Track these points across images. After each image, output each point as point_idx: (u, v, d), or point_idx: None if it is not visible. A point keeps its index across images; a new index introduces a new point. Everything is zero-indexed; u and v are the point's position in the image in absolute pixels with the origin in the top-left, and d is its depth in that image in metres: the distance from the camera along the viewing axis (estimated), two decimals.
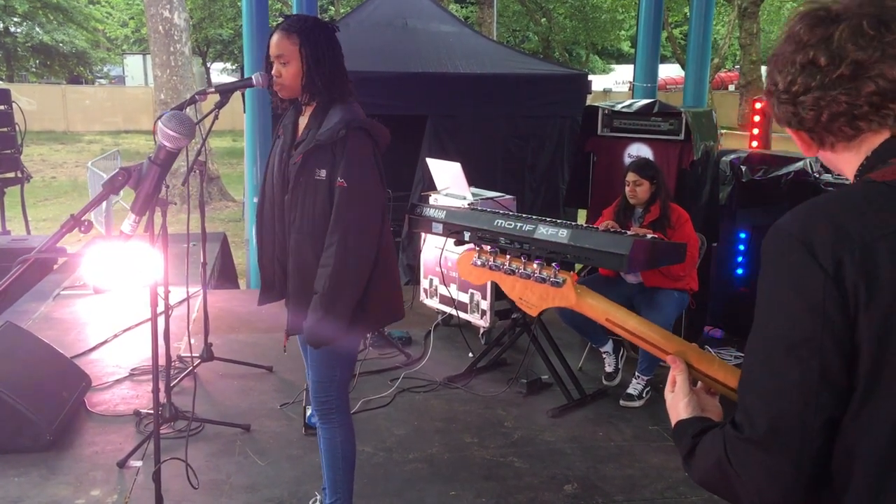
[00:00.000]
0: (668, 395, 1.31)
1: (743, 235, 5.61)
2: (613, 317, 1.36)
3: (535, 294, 1.38)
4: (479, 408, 4.31)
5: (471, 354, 4.94)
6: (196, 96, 2.90)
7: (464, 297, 5.32)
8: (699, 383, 1.31)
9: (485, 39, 8.76)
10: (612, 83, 34.33)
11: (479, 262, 1.41)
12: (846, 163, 1.16)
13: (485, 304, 5.20)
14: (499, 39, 22.79)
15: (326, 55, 2.62)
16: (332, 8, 25.11)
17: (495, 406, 4.33)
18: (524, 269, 1.38)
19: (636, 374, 4.48)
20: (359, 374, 4.50)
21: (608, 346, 4.74)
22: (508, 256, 1.40)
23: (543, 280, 1.37)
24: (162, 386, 3.77)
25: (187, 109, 2.86)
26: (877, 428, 1.00)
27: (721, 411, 1.29)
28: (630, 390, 4.45)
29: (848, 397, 1.01)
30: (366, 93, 6.30)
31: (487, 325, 5.21)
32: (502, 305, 5.14)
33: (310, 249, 2.62)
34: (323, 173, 2.58)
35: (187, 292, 4.21)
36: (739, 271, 5.65)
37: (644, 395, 4.44)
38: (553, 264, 1.39)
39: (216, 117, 3.00)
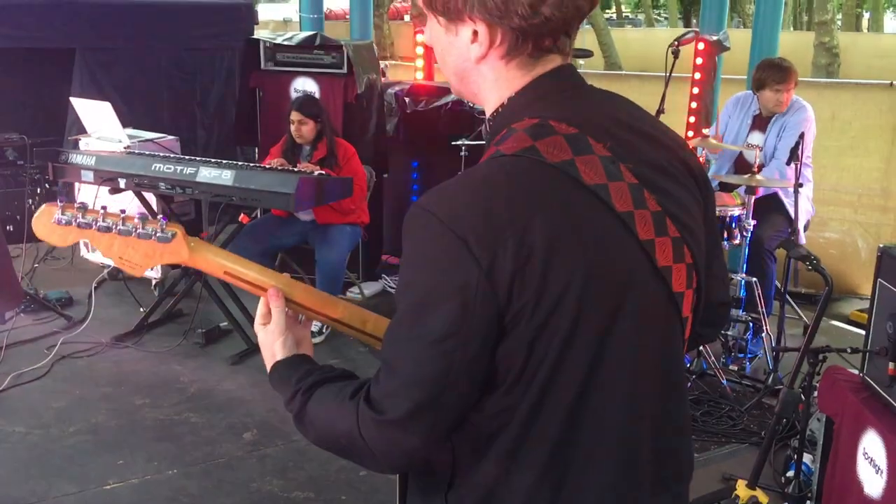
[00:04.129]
0: (260, 329, 1.24)
1: (415, 164, 5.83)
2: (232, 269, 1.26)
3: (138, 252, 1.25)
4: (153, 365, 4.06)
5: (142, 309, 4.61)
6: None
7: None
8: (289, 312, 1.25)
9: None
10: (293, 12, 33.61)
11: (63, 220, 1.22)
12: (507, 83, 1.08)
13: None
14: None
15: None
16: None
17: (170, 361, 4.11)
18: (123, 225, 1.23)
19: None
20: (6, 347, 4.01)
21: None
22: (102, 211, 1.24)
23: (148, 235, 1.24)
24: None
25: None
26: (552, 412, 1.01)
27: (311, 344, 1.27)
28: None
29: (486, 378, 1.00)
30: (2, 22, 5.57)
31: (159, 275, 4.91)
32: None
33: None
34: None
35: None
36: (413, 199, 5.89)
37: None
38: (160, 217, 1.26)
39: None
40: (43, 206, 1.24)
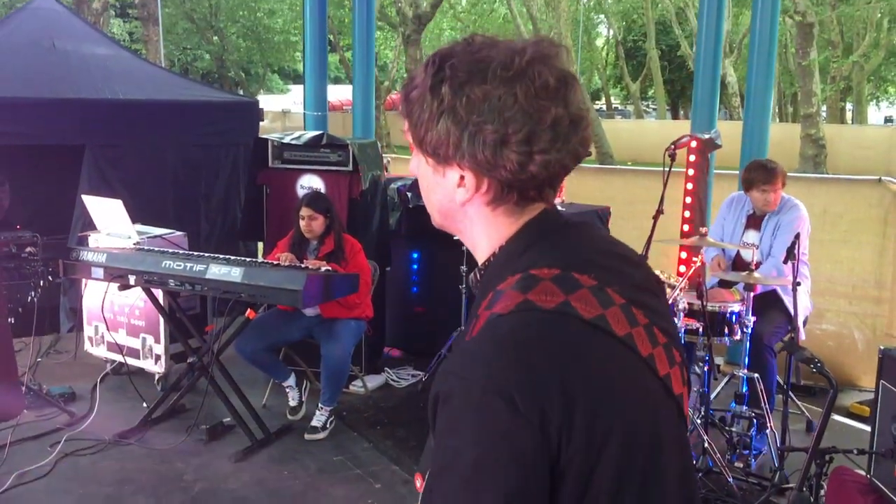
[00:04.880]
0: None
1: (415, 256, 5.92)
2: None
3: None
4: (155, 463, 4.03)
5: (145, 404, 4.61)
6: None
7: (135, 343, 4.97)
8: None
9: (146, 63, 8.30)
10: (291, 103, 34.47)
11: None
12: (496, 230, 1.11)
13: (159, 349, 4.90)
14: (168, 58, 21.82)
15: None
16: None
17: (173, 459, 4.08)
18: None
19: (319, 405, 4.50)
20: (10, 444, 3.99)
21: (291, 380, 4.71)
22: None
23: None
24: None
25: None
26: None
27: None
28: (314, 422, 4.46)
29: None
30: (9, 121, 5.73)
31: (163, 370, 4.92)
32: (178, 348, 4.88)
33: None
34: None
35: None
36: (414, 290, 5.96)
37: (328, 425, 4.48)
38: None
39: None
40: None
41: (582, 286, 1.04)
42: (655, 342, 1.09)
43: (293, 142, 5.29)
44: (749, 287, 3.96)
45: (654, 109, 34.45)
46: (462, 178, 1.08)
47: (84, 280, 5.06)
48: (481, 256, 1.14)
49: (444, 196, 1.11)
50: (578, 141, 1.06)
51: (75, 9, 14.49)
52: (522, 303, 1.01)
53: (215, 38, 27.14)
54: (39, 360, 5.20)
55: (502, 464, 0.93)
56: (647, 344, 1.07)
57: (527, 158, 1.03)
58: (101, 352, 5.16)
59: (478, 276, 1.14)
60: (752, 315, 3.98)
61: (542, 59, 1.03)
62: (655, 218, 4.15)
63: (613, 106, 37.97)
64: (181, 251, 4.67)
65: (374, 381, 5.24)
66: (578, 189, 6.14)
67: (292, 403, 4.71)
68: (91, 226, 5.27)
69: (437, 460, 0.98)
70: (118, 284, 4.33)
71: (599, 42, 36.01)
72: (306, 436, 4.40)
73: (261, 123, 7.18)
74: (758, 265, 4.11)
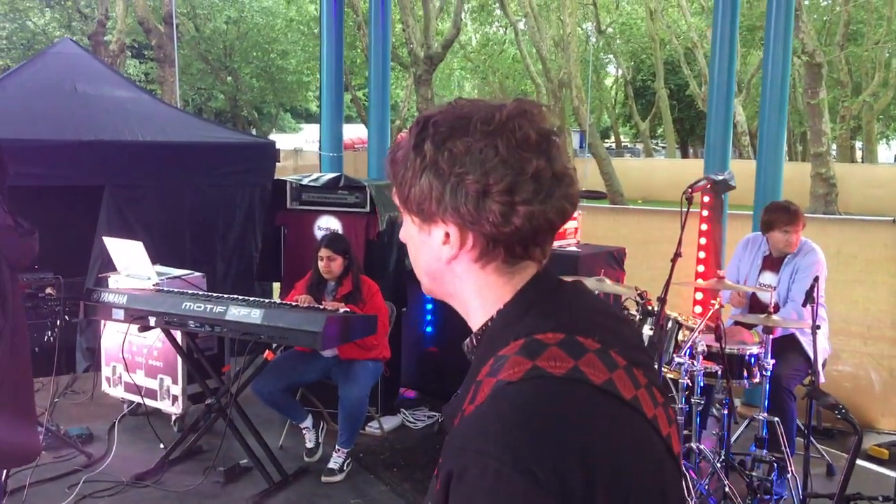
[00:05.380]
0: None
1: (429, 297, 5.93)
2: None
3: None
4: None
5: (162, 445, 4.61)
6: None
7: (152, 384, 4.98)
8: None
9: (163, 105, 8.43)
10: (303, 142, 34.82)
11: None
12: (489, 289, 1.10)
13: (176, 389, 4.91)
14: (182, 98, 22.12)
15: None
16: None
17: (191, 501, 4.08)
18: None
19: (336, 447, 4.49)
20: (28, 486, 3.99)
21: (308, 422, 4.71)
22: None
23: None
24: None
25: None
26: None
27: None
28: (331, 465, 4.44)
29: None
30: (31, 163, 5.82)
31: (180, 411, 4.93)
32: (195, 389, 4.89)
33: None
34: None
35: None
36: (429, 330, 5.97)
37: (345, 467, 4.46)
38: None
39: None
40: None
41: (588, 350, 1.02)
42: (656, 403, 1.08)
43: (311, 183, 5.35)
44: (768, 330, 3.96)
45: (664, 147, 34.64)
46: (447, 234, 1.08)
47: (102, 322, 5.10)
48: (475, 319, 1.13)
49: (431, 256, 1.11)
50: (563, 196, 1.06)
51: (92, 51, 14.76)
52: (532, 370, 0.99)
53: (229, 78, 27.54)
54: (56, 400, 5.21)
55: None
56: (651, 405, 1.06)
57: (509, 209, 1.03)
58: (118, 392, 5.18)
59: (474, 341, 1.13)
60: (771, 358, 3.98)
61: (522, 115, 1.05)
62: (674, 261, 4.16)
63: (623, 144, 38.19)
64: (201, 292, 4.70)
65: (390, 423, 5.23)
66: (591, 229, 6.18)
67: (309, 445, 4.70)
68: (109, 266, 5.32)
69: None
70: (138, 325, 4.37)
71: (609, 81, 36.35)
72: (323, 478, 4.38)
73: (283, 166, 7.24)
74: (776, 307, 4.11)
